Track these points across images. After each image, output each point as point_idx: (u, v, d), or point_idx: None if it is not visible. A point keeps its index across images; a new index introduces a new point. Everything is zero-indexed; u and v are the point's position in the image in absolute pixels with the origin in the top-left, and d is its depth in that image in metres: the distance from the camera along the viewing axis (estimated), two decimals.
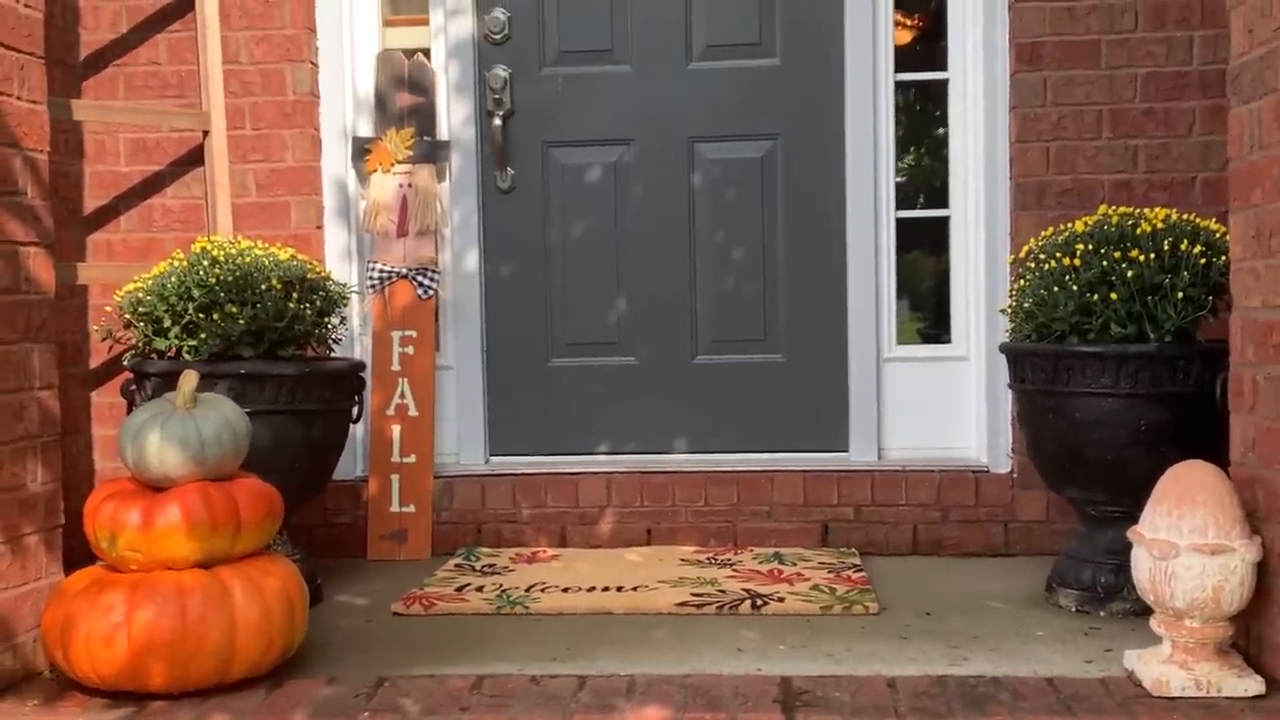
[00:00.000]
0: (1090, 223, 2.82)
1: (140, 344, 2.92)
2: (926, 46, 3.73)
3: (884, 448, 3.61)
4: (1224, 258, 2.60)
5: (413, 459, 3.56)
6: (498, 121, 3.66)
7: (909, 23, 3.80)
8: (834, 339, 3.64)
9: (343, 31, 3.63)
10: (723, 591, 2.96)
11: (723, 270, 3.69)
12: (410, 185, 3.63)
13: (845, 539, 3.47)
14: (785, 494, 3.49)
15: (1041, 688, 2.24)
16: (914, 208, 3.73)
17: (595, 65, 3.70)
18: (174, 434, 2.34)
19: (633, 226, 3.70)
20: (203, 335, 2.81)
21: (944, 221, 3.64)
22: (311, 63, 3.55)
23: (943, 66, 3.61)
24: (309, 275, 2.97)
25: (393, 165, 3.62)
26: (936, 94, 3.67)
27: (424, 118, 3.65)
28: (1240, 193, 2.36)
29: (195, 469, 2.35)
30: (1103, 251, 2.71)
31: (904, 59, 3.65)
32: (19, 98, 2.44)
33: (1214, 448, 2.48)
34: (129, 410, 2.95)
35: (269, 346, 2.86)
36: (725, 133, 3.68)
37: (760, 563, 3.28)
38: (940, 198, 3.67)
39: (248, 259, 2.89)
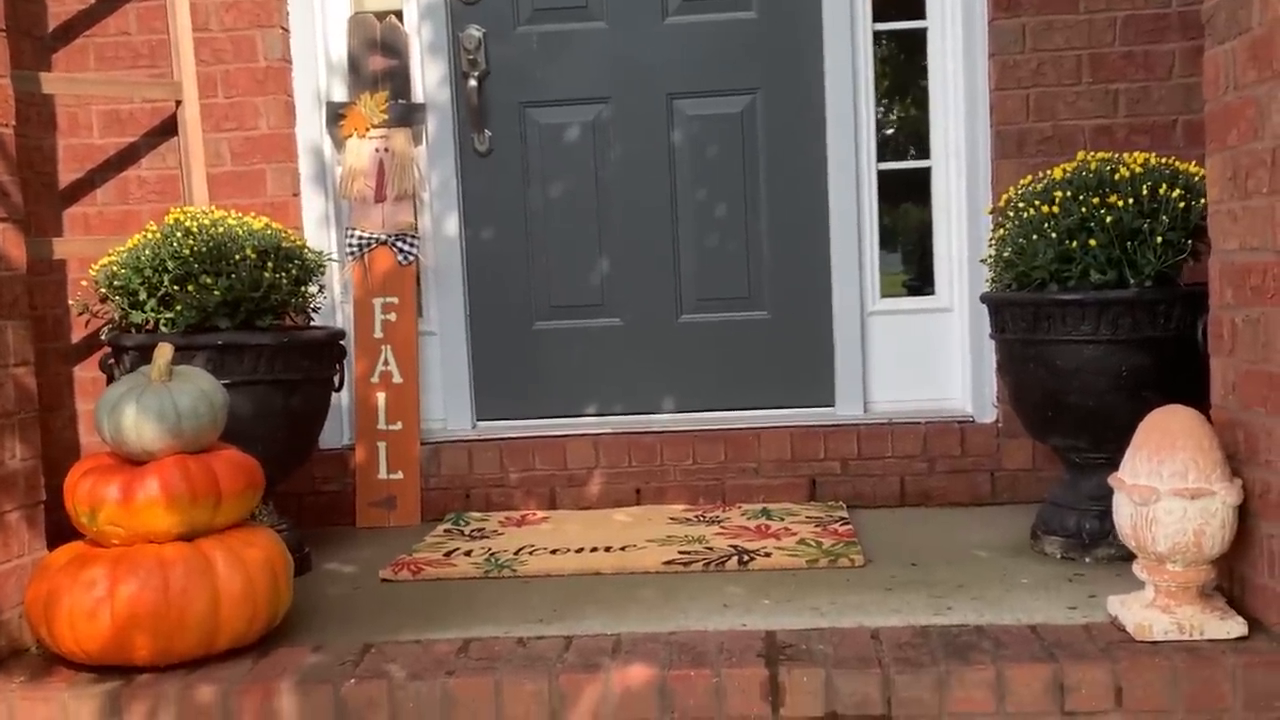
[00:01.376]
0: (1069, 169, 2.80)
1: (117, 318, 2.91)
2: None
3: (870, 401, 3.61)
4: (1203, 201, 2.58)
5: (399, 426, 3.55)
6: (473, 83, 3.63)
7: None
8: (818, 294, 3.62)
9: None
10: (710, 549, 2.96)
11: (705, 228, 3.67)
12: (387, 150, 3.60)
13: (833, 493, 3.47)
14: (772, 450, 3.49)
15: (1025, 635, 2.24)
16: (895, 159, 3.70)
17: (570, 22, 3.66)
18: (150, 407, 2.33)
19: (613, 186, 3.68)
20: (178, 307, 2.79)
21: (925, 172, 3.62)
22: (282, 28, 3.51)
23: (921, 14, 3.57)
24: (284, 244, 2.94)
25: (368, 130, 3.59)
26: (916, 43, 3.63)
27: (398, 81, 3.62)
28: (1217, 134, 2.34)
29: (173, 442, 2.34)
30: (1081, 198, 2.69)
31: (883, 7, 3.61)
32: None
33: (1196, 391, 2.48)
34: (108, 384, 2.94)
35: (246, 317, 2.84)
36: (704, 88, 3.65)
37: (748, 519, 3.28)
38: (922, 148, 3.64)
39: (221, 229, 2.87)
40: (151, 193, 3.53)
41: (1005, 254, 2.82)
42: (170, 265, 2.80)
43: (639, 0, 3.63)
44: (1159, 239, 2.61)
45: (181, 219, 2.90)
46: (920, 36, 3.59)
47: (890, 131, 3.72)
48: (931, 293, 3.64)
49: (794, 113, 3.61)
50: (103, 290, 2.88)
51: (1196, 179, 2.69)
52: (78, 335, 3.55)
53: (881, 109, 3.67)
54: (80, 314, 3.04)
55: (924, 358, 3.60)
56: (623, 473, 3.53)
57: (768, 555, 2.88)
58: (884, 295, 3.65)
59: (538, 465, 3.55)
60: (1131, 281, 2.64)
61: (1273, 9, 2.08)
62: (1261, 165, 2.14)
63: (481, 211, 3.70)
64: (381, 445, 3.55)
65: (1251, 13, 2.16)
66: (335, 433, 3.51)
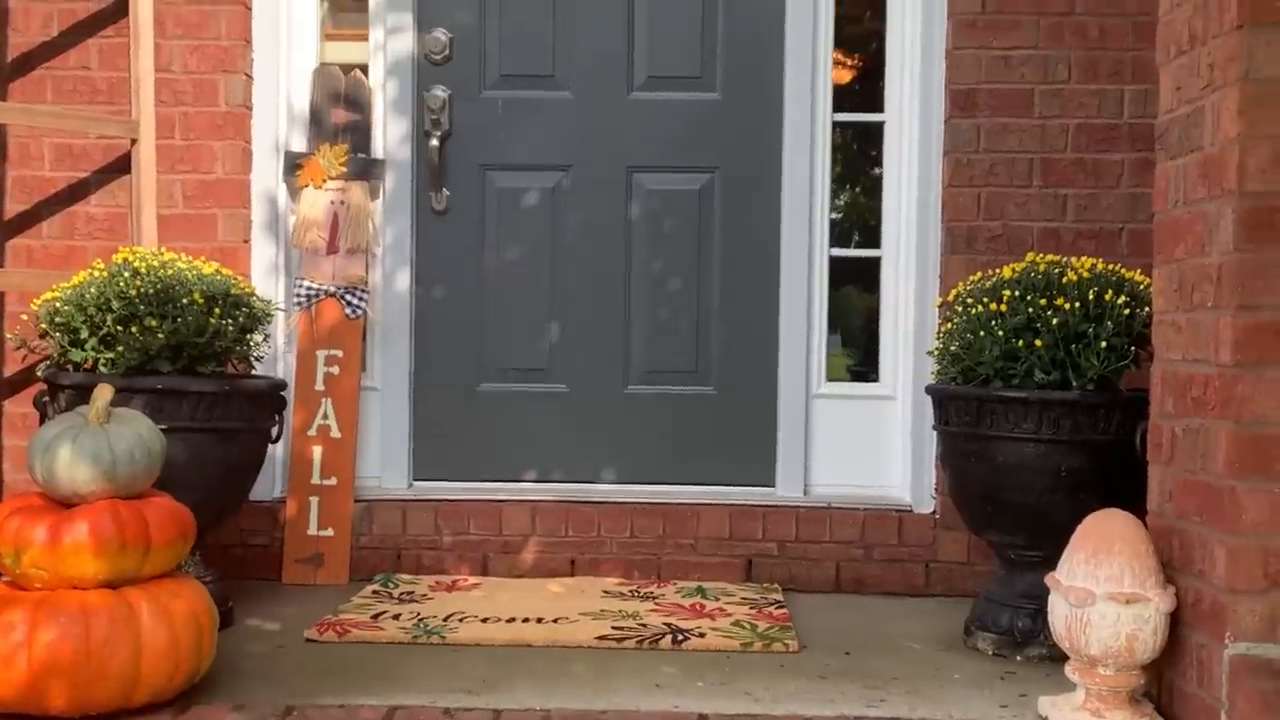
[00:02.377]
0: (1018, 269, 2.86)
1: (55, 354, 2.85)
2: (865, 88, 3.77)
3: (810, 483, 3.62)
4: (1147, 309, 2.64)
5: (333, 481, 3.50)
6: (435, 142, 3.63)
7: (849, 63, 3.83)
8: (765, 373, 3.64)
9: (280, 44, 3.58)
10: (644, 625, 2.94)
11: (657, 301, 3.69)
12: (342, 202, 3.58)
13: (769, 574, 3.46)
14: (711, 528, 3.48)
15: None
16: (847, 246, 3.75)
17: (536, 90, 3.68)
18: (86, 449, 2.28)
19: (569, 253, 3.69)
20: (120, 348, 2.74)
21: (876, 261, 3.67)
22: (246, 74, 3.50)
23: (880, 108, 3.65)
24: (233, 290, 2.91)
25: (325, 181, 3.58)
26: (873, 135, 3.70)
27: (359, 135, 3.61)
28: (1164, 246, 2.40)
29: (106, 486, 2.29)
30: (1029, 298, 2.74)
31: (843, 99, 3.69)
32: None
33: (1134, 496, 2.51)
34: (41, 422, 2.87)
35: (188, 362, 2.79)
36: (664, 163, 3.69)
37: (683, 597, 3.26)
38: (873, 237, 3.70)
39: (170, 271, 2.83)
40: (99, 229, 3.48)
41: (952, 348, 2.86)
42: (115, 305, 2.75)
43: (605, 74, 3.67)
44: (1103, 344, 2.66)
45: (130, 259, 2.86)
46: (877, 129, 3.66)
47: (842, 218, 3.77)
48: (876, 379, 3.68)
49: (751, 194, 3.66)
50: (43, 326, 2.82)
51: (1141, 287, 2.76)
52: (10, 369, 3.47)
53: (836, 196, 3.72)
54: (18, 348, 2.97)
55: (865, 444, 3.62)
56: (559, 542, 3.50)
57: (702, 635, 2.86)
58: (829, 378, 3.68)
59: (472, 530, 3.51)
60: (1074, 384, 2.68)
61: (1224, 131, 2.14)
62: (1207, 280, 2.20)
63: (434, 269, 3.69)
64: (314, 500, 3.49)
65: (1204, 132, 2.23)
66: (267, 484, 3.45)
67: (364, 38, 3.70)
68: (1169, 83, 2.40)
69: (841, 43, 3.70)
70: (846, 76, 3.83)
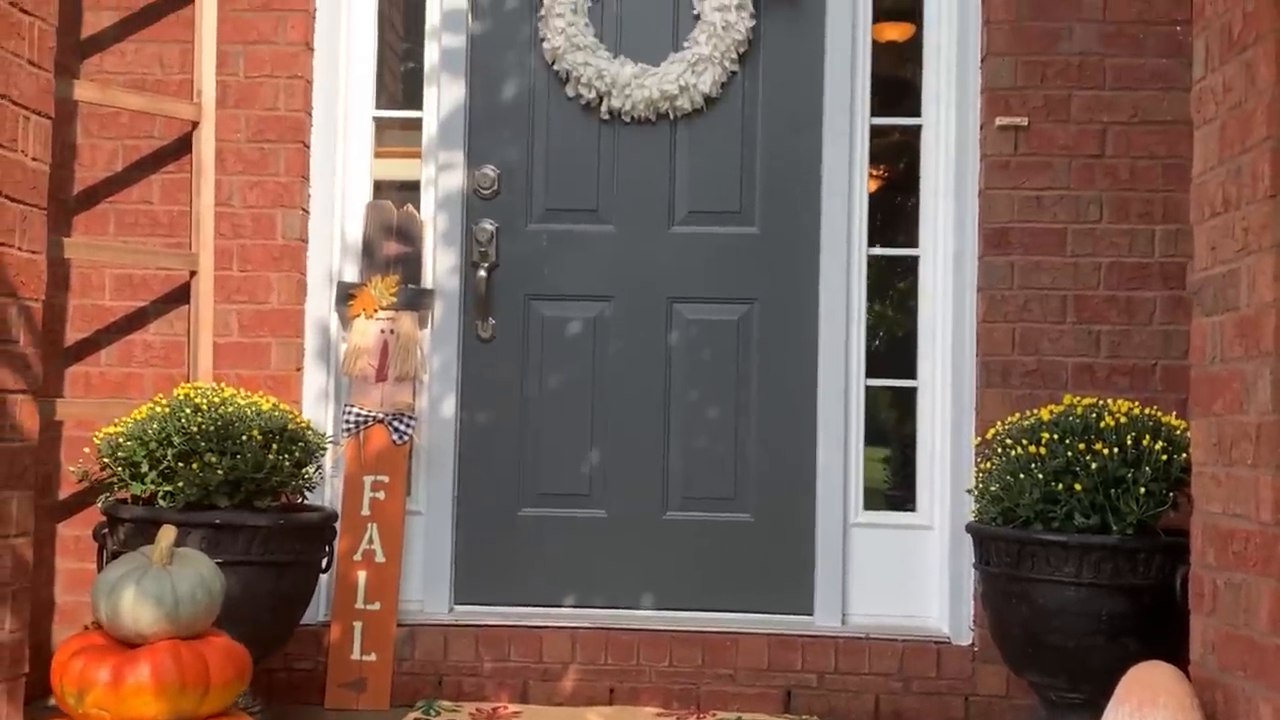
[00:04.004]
0: (1056, 411, 2.92)
1: (115, 487, 2.93)
2: (900, 223, 3.86)
3: (848, 613, 3.64)
4: (1184, 455, 2.69)
5: (377, 606, 3.55)
6: (482, 273, 3.74)
7: (884, 196, 3.94)
8: (802, 501, 3.69)
9: (335, 180, 3.72)
10: None
11: (695, 428, 3.75)
12: (392, 331, 3.68)
13: (807, 706, 3.47)
14: (749, 658, 3.50)
15: None
16: (884, 376, 3.82)
17: (580, 224, 3.80)
18: (149, 591, 2.34)
19: (610, 381, 3.77)
20: (180, 483, 2.82)
21: (912, 391, 3.73)
22: (303, 209, 3.63)
23: (914, 243, 3.74)
24: (289, 425, 3.00)
25: (376, 311, 3.68)
26: (908, 267, 3.79)
27: (410, 266, 3.73)
28: (1202, 400, 2.46)
29: (168, 627, 2.35)
30: (1068, 441, 2.80)
31: (877, 233, 3.79)
32: (19, 248, 2.48)
33: (1174, 640, 2.54)
34: (99, 552, 2.95)
35: (245, 497, 2.87)
36: (704, 294, 3.78)
37: None
38: (909, 368, 3.76)
39: (230, 408, 2.92)
40: (156, 357, 3.58)
41: (992, 488, 2.91)
42: (176, 440, 2.84)
43: (647, 208, 3.78)
44: (1141, 489, 2.71)
45: (191, 395, 2.96)
46: (912, 262, 3.75)
47: (879, 348, 3.84)
48: (913, 509, 3.72)
49: (789, 325, 3.74)
50: (104, 460, 2.91)
51: (1178, 432, 2.81)
52: (66, 491, 3.55)
53: (871, 326, 3.79)
54: (80, 480, 3.05)
55: (903, 573, 3.65)
56: (598, 670, 3.52)
57: None
58: (866, 507, 3.72)
59: (513, 656, 3.54)
60: (1114, 528, 2.73)
61: (1259, 294, 2.21)
62: (1246, 438, 2.25)
63: (479, 396, 3.77)
64: (357, 625, 3.53)
65: (1240, 293, 2.30)
66: (312, 609, 3.48)
67: (411, 154, 3.81)
68: (1204, 241, 2.48)
69: (876, 180, 3.80)
70: (882, 211, 3.93)
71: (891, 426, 3.88)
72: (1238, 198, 2.31)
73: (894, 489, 3.86)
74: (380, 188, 3.88)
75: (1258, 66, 2.23)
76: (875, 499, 3.82)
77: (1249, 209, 2.27)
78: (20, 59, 2.46)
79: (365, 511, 3.61)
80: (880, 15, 3.80)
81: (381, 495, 3.62)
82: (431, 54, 3.79)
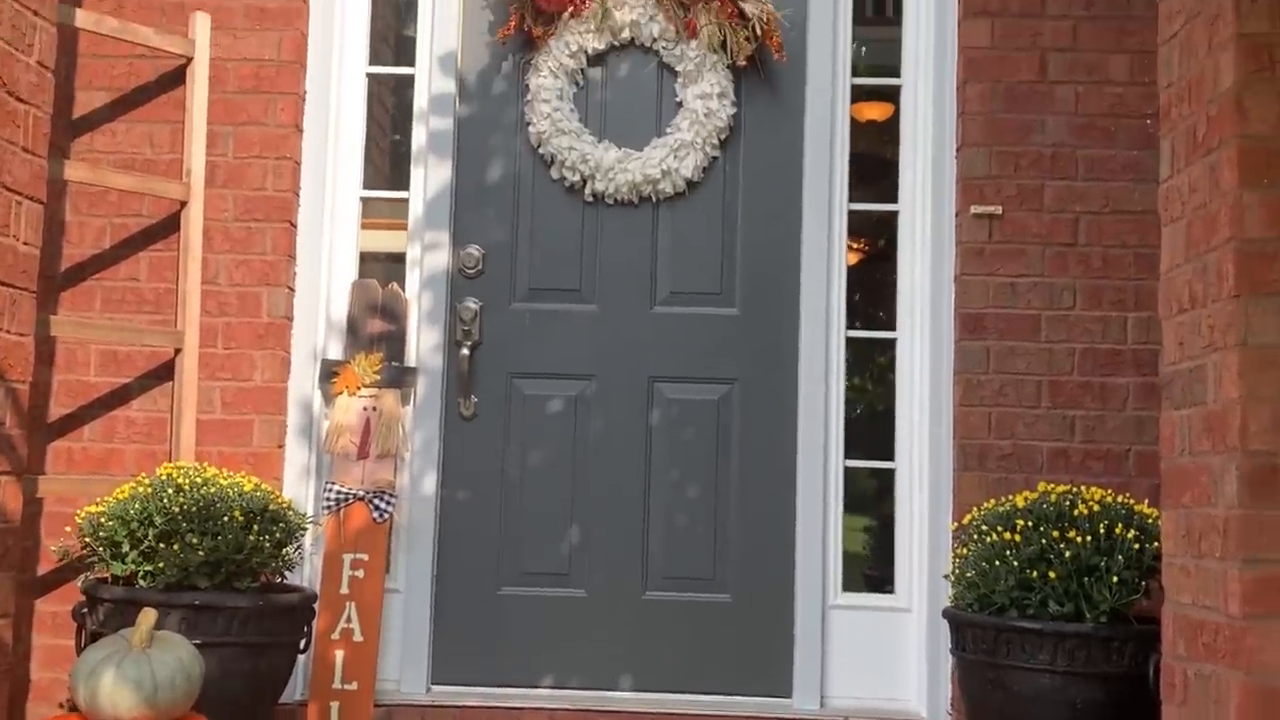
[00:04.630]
0: (1031, 499, 2.96)
1: (95, 566, 2.93)
2: (878, 308, 3.93)
3: (827, 695, 3.64)
4: (1156, 544, 2.73)
5: (354, 686, 3.53)
6: (465, 351, 3.78)
7: (862, 282, 4.01)
8: (781, 583, 3.71)
9: (321, 259, 3.76)
10: None
11: (676, 507, 3.78)
12: (375, 409, 3.71)
13: None
14: None
15: None
16: (862, 453, 3.85)
17: (563, 303, 3.84)
18: (129, 676, 2.35)
19: (590, 459, 3.79)
20: (160, 563, 2.82)
21: (890, 473, 3.77)
22: (289, 287, 3.67)
23: (892, 326, 3.80)
24: (271, 506, 3.01)
25: (359, 388, 3.71)
26: (886, 348, 3.84)
27: (394, 344, 3.76)
28: (1172, 492, 2.50)
29: (147, 712, 2.36)
30: (1042, 529, 2.84)
31: (855, 313, 3.85)
32: (8, 331, 2.52)
33: None
34: (78, 631, 2.94)
35: (225, 578, 2.88)
36: (685, 374, 3.82)
37: None
38: (887, 447, 3.80)
39: (212, 489, 2.94)
40: (139, 433, 3.59)
41: (968, 574, 2.94)
42: (158, 520, 2.85)
43: (629, 288, 3.84)
44: (1114, 577, 2.75)
45: (174, 474, 2.97)
46: (890, 344, 3.81)
47: (857, 430, 3.88)
48: (892, 590, 3.74)
49: (768, 406, 3.78)
50: (86, 539, 2.91)
51: (1150, 520, 2.85)
52: (45, 567, 3.53)
53: (850, 408, 3.83)
54: (60, 559, 3.05)
55: (882, 656, 3.66)
56: None
57: None
58: (845, 589, 3.74)
59: None
60: (1088, 615, 2.76)
61: (1225, 390, 2.27)
62: (1214, 531, 2.29)
63: (460, 474, 3.79)
64: (334, 705, 3.51)
65: (1207, 389, 2.35)
66: (289, 688, 3.45)
67: (398, 226, 3.85)
68: (1172, 336, 2.54)
69: (854, 264, 3.87)
70: (860, 293, 3.99)
71: (871, 502, 3.92)
72: (1204, 295, 2.37)
73: (873, 569, 3.89)
74: (366, 259, 3.93)
75: (1221, 170, 2.31)
76: (854, 578, 3.85)
77: (1214, 307, 2.33)
78: (15, 146, 2.51)
79: (344, 590, 3.61)
80: (861, 95, 3.91)
81: (361, 574, 3.62)
82: (419, 136, 3.86)
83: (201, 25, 3.60)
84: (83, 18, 3.40)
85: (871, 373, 3.99)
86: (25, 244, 2.56)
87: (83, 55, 3.66)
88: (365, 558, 3.63)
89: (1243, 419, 2.21)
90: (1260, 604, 2.17)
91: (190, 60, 3.58)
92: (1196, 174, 2.43)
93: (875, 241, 4.05)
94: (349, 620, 3.59)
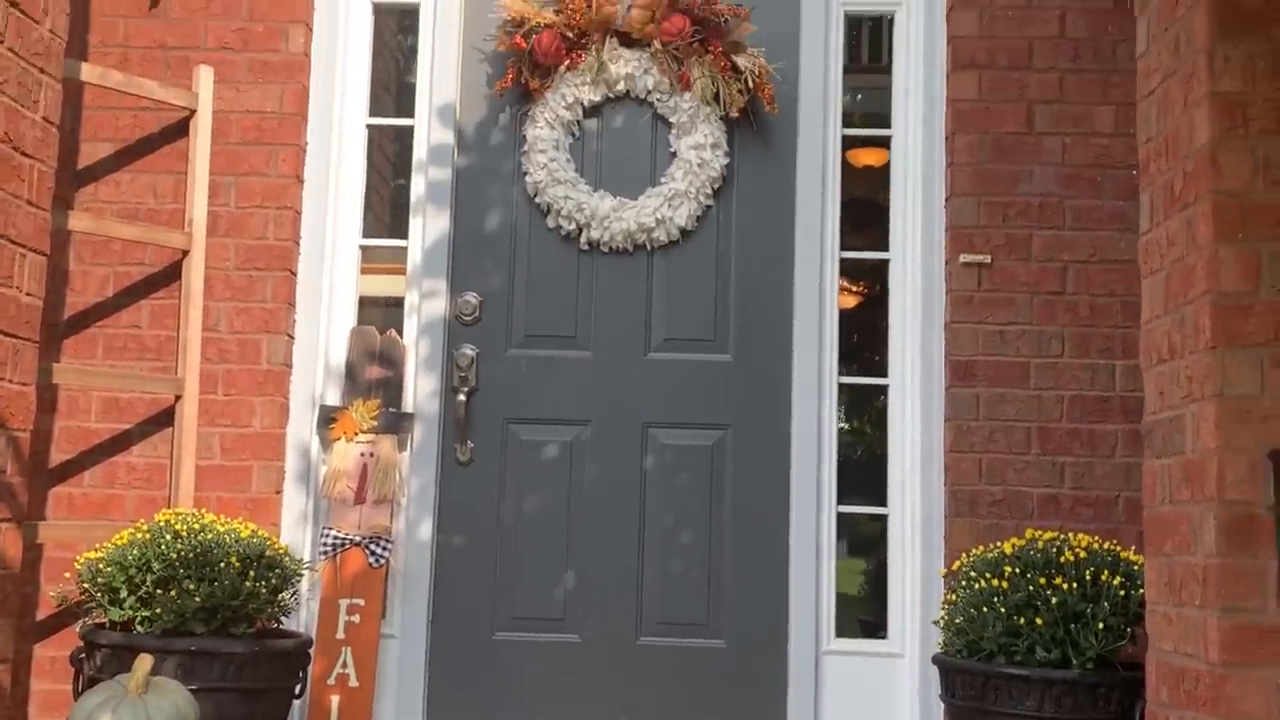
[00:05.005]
0: (1018, 545, 2.99)
1: (93, 611, 2.96)
2: (870, 353, 3.97)
3: None
4: (1142, 590, 2.76)
5: None
6: (461, 397, 3.83)
7: (854, 328, 4.05)
8: (775, 628, 3.73)
9: (321, 306, 3.82)
10: None
11: (670, 552, 3.81)
12: (372, 454, 3.75)
13: None
14: None
15: None
16: (855, 497, 3.88)
17: (559, 349, 3.89)
18: None
19: (585, 504, 3.83)
20: (157, 609, 2.86)
21: (883, 519, 3.80)
22: (288, 335, 3.72)
23: (884, 373, 3.84)
24: (267, 552, 3.05)
25: (357, 434, 3.75)
26: (877, 395, 3.89)
27: (391, 390, 3.81)
28: (1154, 540, 2.54)
29: None
30: (1029, 575, 2.86)
31: (848, 360, 3.89)
32: (10, 380, 2.56)
33: None
34: (76, 676, 2.97)
35: (222, 624, 2.91)
36: (679, 420, 3.86)
37: None
38: (880, 492, 3.83)
39: (209, 535, 2.98)
40: (139, 479, 3.63)
41: (957, 620, 2.97)
42: (155, 567, 2.89)
43: (624, 335, 3.89)
44: (1100, 624, 2.77)
45: (171, 521, 3.01)
46: (882, 390, 3.86)
47: (850, 475, 3.92)
48: (884, 635, 3.76)
49: (761, 452, 3.82)
50: (84, 585, 2.95)
51: (1136, 567, 2.88)
52: (44, 612, 3.57)
53: (843, 454, 3.87)
54: (59, 605, 3.09)
55: (875, 701, 3.68)
56: None
57: None
58: (839, 634, 3.76)
59: None
60: (1074, 662, 2.78)
61: (1203, 441, 2.31)
62: (1194, 579, 2.32)
63: (456, 519, 3.83)
64: None
65: (1186, 439, 2.39)
66: None
67: (397, 270, 3.91)
68: (1153, 386, 2.58)
69: (846, 310, 3.92)
70: (852, 339, 4.04)
71: (864, 547, 3.95)
72: (1182, 346, 2.42)
73: (866, 614, 3.91)
74: (365, 303, 3.98)
75: (1198, 225, 2.36)
76: (848, 624, 3.87)
77: (1192, 358, 2.37)
78: (19, 199, 2.57)
79: (340, 635, 3.64)
80: (853, 144, 3.98)
81: (357, 619, 3.65)
82: (418, 186, 3.92)
83: (205, 78, 3.68)
84: (88, 71, 3.48)
85: (864, 418, 4.03)
86: (28, 295, 2.61)
87: (88, 107, 3.74)
88: (361, 603, 3.66)
89: (1220, 469, 2.25)
90: (1238, 652, 2.20)
91: (193, 112, 3.65)
92: (1174, 228, 2.48)
93: (869, 288, 4.11)
94: (345, 665, 3.61)
